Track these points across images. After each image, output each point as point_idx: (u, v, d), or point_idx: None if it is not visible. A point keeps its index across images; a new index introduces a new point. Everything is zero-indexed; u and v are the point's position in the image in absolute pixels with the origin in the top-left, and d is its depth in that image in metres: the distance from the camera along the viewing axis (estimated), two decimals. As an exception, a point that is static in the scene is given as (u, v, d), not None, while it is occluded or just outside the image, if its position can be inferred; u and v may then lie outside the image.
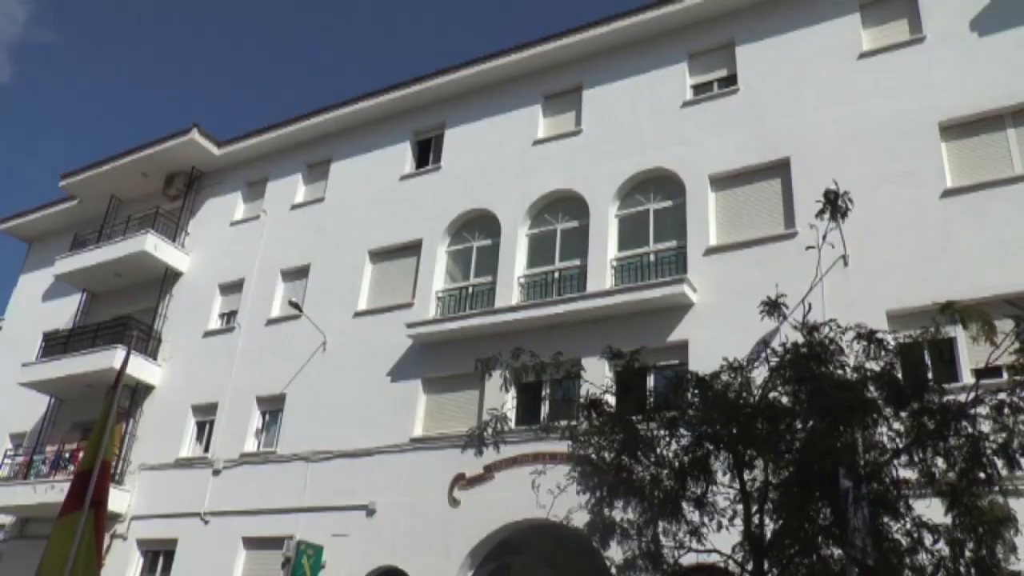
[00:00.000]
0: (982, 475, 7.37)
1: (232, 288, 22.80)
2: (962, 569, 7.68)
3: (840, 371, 7.65)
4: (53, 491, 20.13)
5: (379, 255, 20.49)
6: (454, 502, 16.29)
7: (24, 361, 24.36)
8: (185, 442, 21.24)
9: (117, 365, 18.42)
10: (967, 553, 7.61)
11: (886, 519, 7.76)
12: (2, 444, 25.19)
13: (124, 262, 23.93)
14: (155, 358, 22.79)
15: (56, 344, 24.12)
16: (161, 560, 20.22)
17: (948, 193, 14.12)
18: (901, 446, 7.67)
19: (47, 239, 29.01)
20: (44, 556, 13.35)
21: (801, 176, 15.33)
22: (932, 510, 8.04)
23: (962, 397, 7.61)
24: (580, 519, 8.39)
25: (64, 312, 26.25)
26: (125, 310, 23.97)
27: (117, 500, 20.84)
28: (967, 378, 12.11)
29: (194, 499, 19.91)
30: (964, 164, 14.36)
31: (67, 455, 21.98)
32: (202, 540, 19.38)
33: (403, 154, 21.48)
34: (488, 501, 15.82)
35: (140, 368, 21.85)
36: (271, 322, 21.35)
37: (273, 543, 17.86)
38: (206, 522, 19.55)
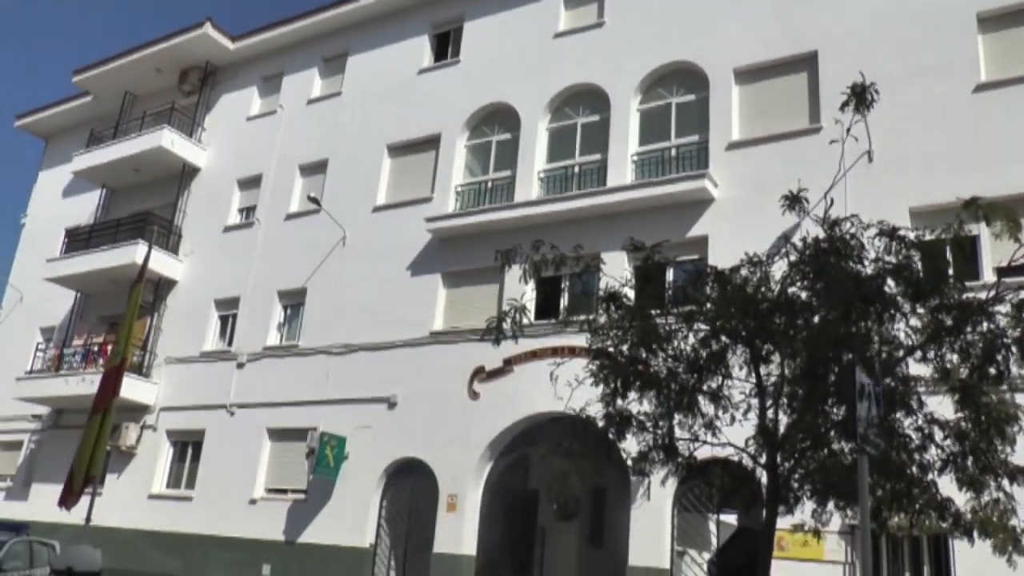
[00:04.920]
0: (992, 371, 7.38)
1: (250, 183, 22.80)
2: (969, 464, 7.79)
3: (860, 266, 7.59)
4: (84, 383, 20.70)
5: (397, 150, 20.33)
6: (474, 395, 16.61)
7: (49, 257, 24.68)
8: (209, 336, 21.64)
9: (139, 260, 18.61)
10: (970, 444, 7.70)
11: (898, 414, 7.83)
12: (33, 338, 25.78)
13: (141, 158, 23.91)
14: (176, 253, 23.04)
15: (79, 240, 24.38)
16: (190, 450, 20.91)
17: (981, 87, 13.73)
18: (917, 343, 7.67)
19: (63, 136, 28.95)
20: (79, 449, 13.88)
21: (828, 70, 14.93)
22: (943, 407, 8.12)
23: (982, 295, 7.57)
24: (597, 411, 8.53)
25: (85, 208, 26.43)
26: (145, 206, 24.09)
27: (145, 392, 21.44)
28: (988, 276, 12.02)
29: (219, 391, 20.43)
30: (1000, 57, 13.91)
31: (96, 348, 22.50)
32: (228, 431, 19.98)
33: (421, 48, 21.04)
34: (507, 394, 16.13)
35: (162, 263, 22.09)
36: (290, 217, 21.41)
37: (297, 434, 18.40)
38: (232, 414, 20.10)
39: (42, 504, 21.33)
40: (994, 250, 12.20)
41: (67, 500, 14.07)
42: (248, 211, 22.67)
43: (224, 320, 21.79)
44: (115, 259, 22.35)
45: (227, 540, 18.79)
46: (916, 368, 7.95)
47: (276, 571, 17.92)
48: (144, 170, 24.44)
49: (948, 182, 12.66)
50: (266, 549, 18.17)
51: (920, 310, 7.60)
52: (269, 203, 22.03)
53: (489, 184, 18.68)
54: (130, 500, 20.74)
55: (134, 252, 21.62)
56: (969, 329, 7.32)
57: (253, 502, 18.90)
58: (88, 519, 13.83)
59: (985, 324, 7.28)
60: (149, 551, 19.78)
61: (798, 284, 7.79)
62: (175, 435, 21.27)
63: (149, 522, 20.21)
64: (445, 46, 20.96)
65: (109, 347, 19.66)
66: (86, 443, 14.16)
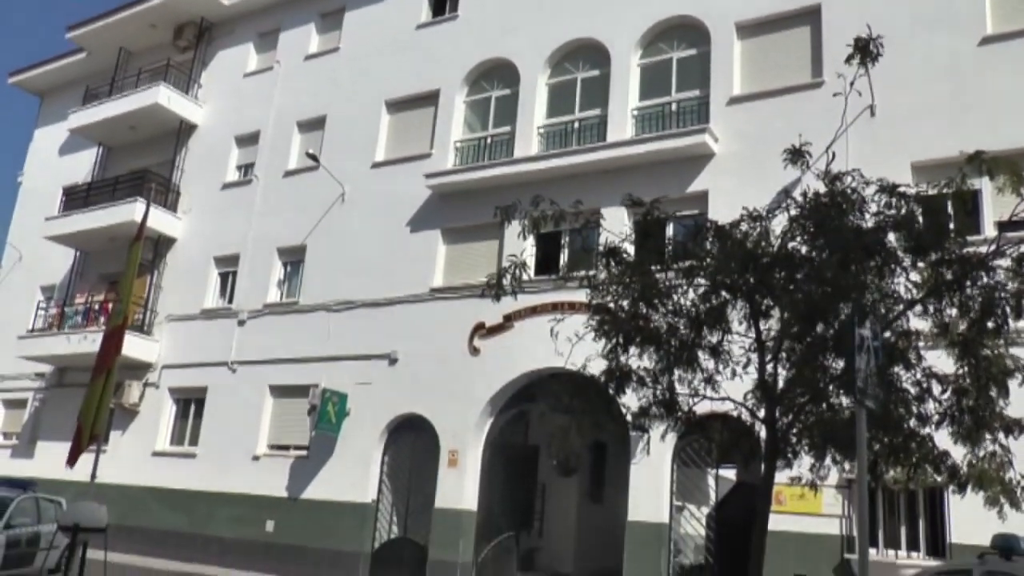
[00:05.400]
0: (991, 324, 7.39)
1: (248, 140, 22.65)
2: (967, 418, 7.83)
3: (860, 220, 7.56)
4: (86, 341, 20.78)
5: (396, 105, 20.16)
6: (474, 351, 16.68)
7: (47, 215, 24.61)
8: (209, 293, 21.67)
9: (138, 218, 18.57)
10: (968, 401, 7.74)
11: (897, 368, 7.86)
12: (34, 297, 25.82)
13: (138, 115, 23.73)
14: (175, 211, 22.98)
15: (76, 198, 24.31)
16: (193, 407, 21.05)
17: (987, 40, 13.58)
18: (917, 297, 7.67)
19: (58, 93, 28.69)
20: (83, 407, 13.97)
21: (831, 23, 14.74)
22: (942, 361, 8.15)
23: (983, 250, 7.55)
24: (597, 367, 8.56)
25: (82, 166, 26.29)
26: (142, 163, 23.95)
27: (146, 350, 21.52)
28: (990, 231, 11.99)
29: (221, 349, 20.51)
30: (1007, 10, 13.73)
31: (97, 306, 22.54)
32: (230, 388, 20.09)
33: (419, 2, 20.75)
34: (507, 350, 16.20)
35: (161, 221, 22.04)
36: (288, 174, 21.31)
37: (299, 391, 18.50)
38: (233, 371, 20.19)
39: (47, 461, 21.55)
40: (996, 205, 12.12)
41: (74, 459, 14.24)
42: (246, 168, 22.55)
43: (224, 277, 21.79)
44: (114, 217, 22.29)
45: (231, 496, 19.00)
46: (916, 322, 7.97)
47: (279, 527, 18.14)
48: (141, 127, 24.26)
49: (951, 136, 12.58)
50: (269, 505, 18.38)
51: (920, 264, 7.59)
52: (267, 160, 21.91)
53: (488, 140, 18.57)
54: (134, 457, 20.93)
55: (132, 210, 21.55)
56: (969, 283, 7.31)
57: (256, 459, 19.07)
58: (93, 476, 13.95)
59: (985, 278, 7.27)
60: (154, 507, 20.02)
61: (798, 238, 7.76)
62: (177, 392, 21.39)
63: (153, 479, 20.42)
64: (443, 1, 20.68)
65: (110, 305, 19.72)
66: (90, 402, 14.28)
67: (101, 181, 24.54)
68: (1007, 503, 8.18)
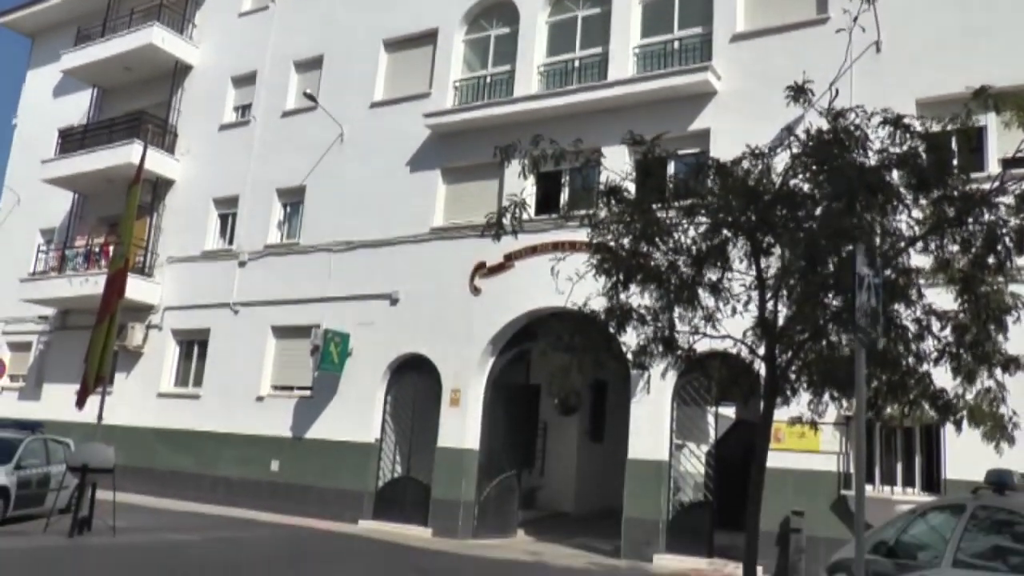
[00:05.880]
0: (991, 261, 7.39)
1: (245, 81, 22.36)
2: (965, 355, 7.88)
3: (863, 157, 7.50)
4: (88, 284, 20.84)
5: (394, 45, 19.85)
6: (475, 290, 16.72)
7: (44, 158, 24.44)
8: (209, 235, 21.64)
9: (135, 160, 18.41)
10: (968, 337, 7.78)
11: (897, 306, 7.88)
12: (34, 240, 25.79)
13: (132, 56, 23.37)
14: (172, 153, 22.81)
15: (72, 140, 24.11)
16: (196, 349, 21.18)
17: (995, -29, 13.29)
18: (919, 233, 7.66)
19: (50, 34, 28.18)
20: (89, 351, 14.09)
21: (838, -46, 14.41)
22: (942, 298, 8.17)
23: (987, 186, 7.51)
24: (598, 306, 8.58)
25: (76, 108, 26.00)
26: (138, 105, 23.66)
27: (148, 292, 21.58)
28: (993, 168, 11.92)
29: (223, 290, 20.56)
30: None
31: (97, 249, 22.54)
32: (233, 330, 20.19)
33: (416, -64, 20.29)
34: (508, 289, 16.24)
35: (158, 163, 21.86)
36: (286, 114, 21.10)
37: (301, 331, 18.58)
38: (236, 312, 20.27)
39: (54, 403, 21.77)
40: (1000, 142, 12.04)
41: (83, 401, 14.42)
42: (243, 109, 22.32)
43: (224, 219, 21.73)
44: (111, 159, 22.13)
45: (235, 437, 19.23)
46: (917, 259, 7.97)
47: (284, 466, 18.40)
48: (135, 68, 23.91)
49: (957, 72, 12.34)
50: (274, 445, 18.61)
51: (923, 201, 7.55)
52: (265, 101, 21.67)
53: (488, 79, 18.33)
54: (139, 399, 21.13)
55: (130, 152, 21.36)
56: (971, 220, 7.29)
57: (260, 399, 19.25)
58: (100, 418, 14.16)
59: (987, 215, 7.24)
60: (160, 448, 20.28)
61: (800, 176, 7.72)
62: (180, 334, 21.50)
63: (159, 420, 20.64)
64: (441, -65, 20.20)
65: (110, 248, 19.71)
66: (95, 345, 14.40)
67: (97, 123, 24.29)
68: (1000, 438, 8.29)
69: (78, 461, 13.16)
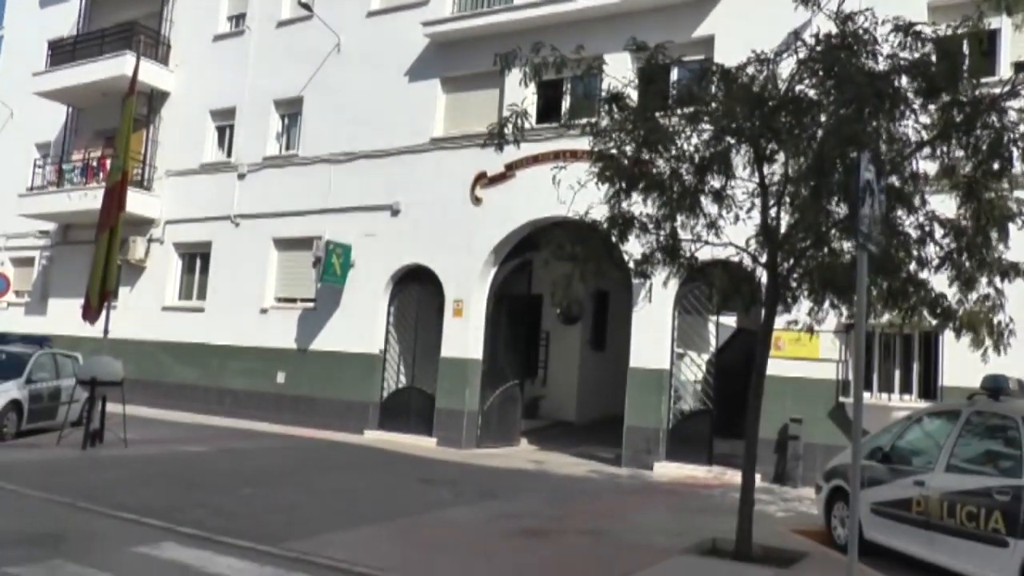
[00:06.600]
0: (996, 166, 7.32)
1: (238, -12, 21.80)
2: (965, 260, 7.87)
3: (872, 63, 7.34)
4: (87, 198, 20.71)
5: (389, -49, 19.26)
6: (476, 200, 16.65)
7: (34, 70, 23.98)
8: (207, 147, 21.44)
9: (128, 72, 18.03)
10: (965, 240, 7.76)
11: (899, 212, 7.84)
12: (30, 154, 25.51)
13: (122, -38, 22.74)
14: (167, 64, 22.40)
15: (63, 52, 23.62)
16: (199, 262, 21.23)
17: None
18: (927, 139, 7.55)
19: (33, -64, 27.33)
20: (92, 265, 14.09)
21: None
22: (945, 205, 8.13)
23: (997, 91, 7.37)
24: (599, 214, 8.54)
25: (66, 18, 25.37)
26: (129, 15, 23.12)
27: (148, 206, 21.51)
28: (1005, 72, 11.69)
29: (223, 203, 20.48)
30: None
31: (95, 163, 22.34)
32: (235, 242, 20.20)
33: None
34: (509, 199, 16.17)
35: (153, 75, 21.53)
36: (282, 24, 20.63)
37: (303, 243, 18.61)
38: (237, 225, 20.23)
39: (60, 318, 21.94)
40: (1014, 45, 11.80)
41: (88, 314, 14.49)
42: (238, 19, 21.80)
43: (221, 131, 21.49)
44: (103, 71, 21.75)
45: (240, 349, 19.45)
46: (923, 165, 7.89)
47: (290, 378, 18.66)
48: (124, -24, 23.29)
49: (970, -28, 12.02)
50: (279, 357, 18.83)
51: (931, 107, 7.42)
52: (259, 10, 21.14)
53: (487, -15, 17.85)
54: (144, 312, 21.28)
55: (122, 63, 20.95)
56: (979, 125, 7.18)
57: (264, 311, 19.39)
58: (106, 332, 14.28)
59: (995, 120, 7.13)
60: (166, 361, 20.53)
61: (806, 82, 7.56)
62: (182, 247, 21.53)
63: (164, 333, 20.83)
64: None
65: (107, 161, 19.52)
66: (98, 259, 14.42)
67: (87, 34, 23.75)
68: (988, 348, 8.36)
69: (87, 375, 13.34)
